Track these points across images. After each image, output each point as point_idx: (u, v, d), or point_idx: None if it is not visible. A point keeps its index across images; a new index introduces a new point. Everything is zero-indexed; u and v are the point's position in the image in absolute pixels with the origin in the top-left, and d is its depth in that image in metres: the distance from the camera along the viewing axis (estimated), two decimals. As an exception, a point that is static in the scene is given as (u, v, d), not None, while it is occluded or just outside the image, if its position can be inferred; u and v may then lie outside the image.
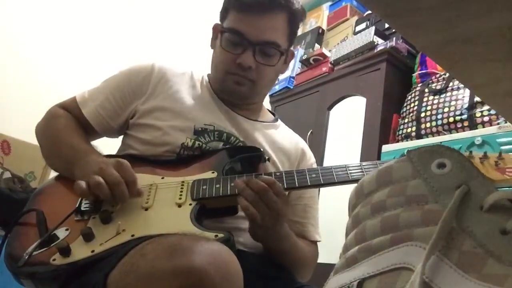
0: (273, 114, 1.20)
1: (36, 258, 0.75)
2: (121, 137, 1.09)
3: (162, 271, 0.57)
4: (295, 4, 1.03)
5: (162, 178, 0.91)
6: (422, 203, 0.33)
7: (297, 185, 0.87)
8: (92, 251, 0.75)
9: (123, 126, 1.04)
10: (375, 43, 2.32)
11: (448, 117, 1.88)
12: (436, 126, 1.92)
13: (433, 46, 0.38)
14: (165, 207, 0.84)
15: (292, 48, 1.11)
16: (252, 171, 0.91)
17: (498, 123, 1.68)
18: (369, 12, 2.68)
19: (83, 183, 0.80)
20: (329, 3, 3.15)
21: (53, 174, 1.02)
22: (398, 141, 2.07)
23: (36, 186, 1.80)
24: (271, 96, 2.92)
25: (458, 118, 1.84)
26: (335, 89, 2.48)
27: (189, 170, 0.94)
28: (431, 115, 1.95)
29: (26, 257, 0.74)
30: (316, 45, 2.97)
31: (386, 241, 0.33)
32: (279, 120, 1.18)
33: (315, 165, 1.15)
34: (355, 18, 2.80)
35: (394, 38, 2.29)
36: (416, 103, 2.05)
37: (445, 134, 1.84)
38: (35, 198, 0.92)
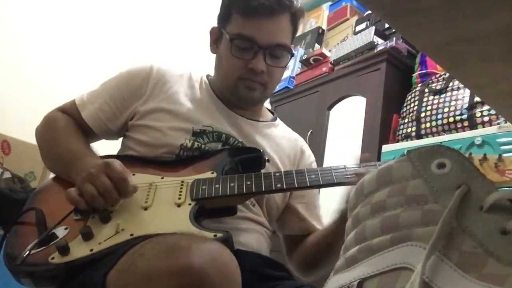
0: (272, 113, 1.20)
1: (34, 257, 0.75)
2: (120, 139, 1.09)
3: (161, 270, 0.57)
4: (296, 4, 1.03)
5: (162, 178, 0.91)
6: (422, 203, 0.33)
7: (296, 186, 0.87)
8: (91, 250, 0.75)
9: (122, 128, 1.04)
10: (375, 43, 2.32)
11: (448, 117, 1.88)
12: (436, 126, 1.92)
13: (433, 46, 0.38)
14: (164, 207, 0.84)
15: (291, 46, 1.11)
16: (252, 171, 0.91)
17: (498, 123, 1.68)
18: (369, 12, 2.68)
19: (74, 193, 0.81)
20: (329, 3, 3.15)
21: (53, 174, 1.02)
22: (398, 141, 2.07)
23: (36, 186, 1.80)
24: (271, 96, 2.92)
25: (458, 118, 1.84)
26: (335, 89, 2.48)
27: (188, 170, 0.94)
28: (431, 115, 1.95)
29: (24, 256, 0.74)
30: (316, 45, 2.97)
31: (386, 241, 0.33)
32: (278, 119, 1.18)
33: (314, 164, 1.15)
34: (355, 18, 2.80)
35: (394, 38, 2.29)
36: (416, 103, 2.05)
37: (444, 135, 1.84)
38: (35, 198, 0.92)
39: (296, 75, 2.83)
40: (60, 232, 0.79)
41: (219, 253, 0.61)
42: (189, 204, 0.84)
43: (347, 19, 2.89)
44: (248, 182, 0.87)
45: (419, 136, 1.97)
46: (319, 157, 2.29)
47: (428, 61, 2.17)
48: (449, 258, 0.29)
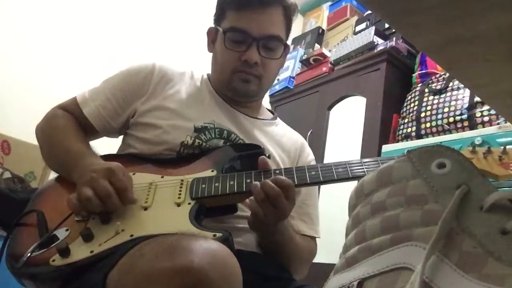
0: (272, 112, 1.21)
1: (35, 259, 0.75)
2: (121, 137, 1.09)
3: (161, 271, 0.57)
4: None
5: (162, 177, 0.91)
6: (422, 203, 0.33)
7: (296, 183, 0.87)
8: (91, 252, 0.75)
9: (123, 125, 1.05)
10: (375, 43, 2.33)
11: (448, 117, 1.88)
12: (436, 126, 1.92)
13: (433, 46, 0.38)
14: (164, 207, 0.84)
15: (287, 43, 1.12)
16: (252, 168, 0.91)
17: (498, 123, 1.68)
18: (369, 12, 2.68)
19: (74, 199, 0.80)
20: (329, 3, 3.15)
21: (53, 174, 1.02)
22: (398, 141, 2.07)
23: (36, 186, 1.80)
24: (271, 96, 2.92)
25: (458, 118, 1.84)
26: (335, 89, 2.48)
27: (188, 168, 0.93)
28: (431, 115, 1.95)
29: (25, 259, 0.74)
30: (316, 45, 2.97)
31: (386, 241, 0.33)
32: (278, 118, 1.18)
33: (313, 162, 1.15)
34: (355, 18, 2.80)
35: (394, 38, 2.30)
36: (416, 103, 2.06)
37: (447, 129, 1.83)
38: (36, 199, 0.92)
39: (296, 75, 2.83)
40: (61, 233, 0.79)
41: (220, 253, 0.61)
42: (189, 204, 0.84)
43: (347, 19, 2.89)
44: (248, 180, 0.86)
45: (419, 136, 1.97)
46: (319, 157, 2.29)
47: (428, 61, 2.17)
48: (449, 258, 0.29)
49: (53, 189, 0.95)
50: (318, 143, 2.36)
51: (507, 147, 0.82)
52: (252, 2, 0.99)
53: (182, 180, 0.89)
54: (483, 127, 1.73)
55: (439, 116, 1.91)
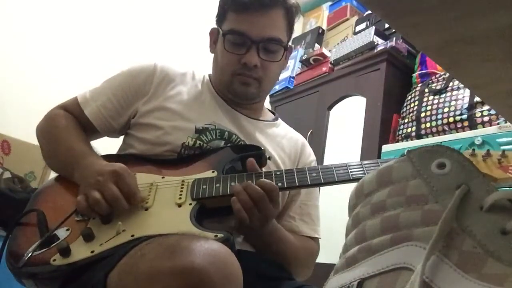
0: (273, 113, 1.21)
1: (36, 259, 0.75)
2: (121, 137, 1.09)
3: (162, 271, 0.57)
4: (290, 0, 1.03)
5: (163, 177, 0.91)
6: (422, 203, 0.33)
7: (297, 184, 0.87)
8: (92, 252, 0.75)
9: (124, 126, 1.04)
10: (375, 43, 2.33)
11: (448, 117, 1.88)
12: (436, 126, 1.92)
13: (433, 46, 0.38)
14: (165, 207, 0.84)
15: (290, 44, 1.11)
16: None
17: (498, 123, 1.68)
18: (369, 12, 2.68)
19: (83, 201, 0.80)
20: (329, 3, 3.15)
21: (53, 174, 1.02)
22: (398, 141, 2.07)
23: (36, 186, 1.80)
24: (271, 96, 2.91)
25: (458, 118, 1.84)
26: (335, 89, 2.48)
27: (189, 169, 0.94)
28: (431, 115, 1.95)
29: (26, 258, 0.74)
30: (316, 45, 2.97)
31: (386, 241, 0.33)
32: (279, 119, 1.18)
33: (314, 163, 1.15)
34: (355, 18, 2.80)
35: (394, 38, 2.30)
36: (416, 103, 2.05)
37: (446, 130, 1.83)
38: (36, 198, 0.92)
39: (296, 75, 2.83)
40: (62, 233, 0.79)
41: (220, 253, 0.61)
42: (190, 204, 0.84)
43: (347, 19, 2.89)
44: (249, 181, 0.87)
45: (419, 136, 1.97)
46: (319, 157, 2.29)
47: (428, 61, 2.17)
48: (449, 258, 0.29)
49: (53, 188, 0.95)
50: (318, 143, 2.36)
51: (506, 150, 0.82)
52: (252, 5, 0.98)
53: (183, 181, 0.89)
54: (483, 127, 1.73)
55: (439, 116, 1.91)
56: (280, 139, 1.10)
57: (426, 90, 2.06)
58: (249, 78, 1.02)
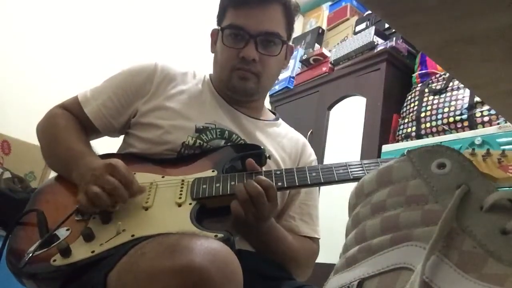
0: (273, 113, 1.21)
1: (36, 259, 0.75)
2: (121, 137, 1.09)
3: (162, 270, 0.57)
4: None
5: (162, 177, 0.91)
6: (422, 203, 0.33)
7: (297, 184, 0.87)
8: (92, 252, 0.75)
9: (124, 125, 1.05)
10: (375, 43, 2.33)
11: (448, 117, 1.88)
12: (436, 126, 1.92)
13: (433, 46, 0.38)
14: (165, 207, 0.84)
15: (290, 43, 1.12)
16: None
17: (498, 123, 1.68)
18: (369, 12, 2.68)
19: (83, 198, 0.80)
20: (329, 3, 3.15)
21: (53, 174, 1.02)
22: (398, 141, 2.07)
23: (36, 186, 1.80)
24: (271, 96, 2.92)
25: (458, 118, 1.84)
26: (335, 89, 2.48)
27: (189, 168, 0.94)
28: (431, 115, 1.95)
29: (27, 258, 0.74)
30: (316, 45, 2.97)
31: (386, 241, 0.33)
32: (280, 119, 1.18)
33: (315, 163, 1.15)
34: (355, 18, 2.80)
35: (394, 38, 2.30)
36: (416, 103, 2.06)
37: (446, 130, 1.84)
38: (36, 198, 0.92)
39: (296, 75, 2.83)
40: (62, 233, 0.79)
41: (221, 252, 0.61)
42: (190, 204, 0.84)
43: (347, 19, 2.89)
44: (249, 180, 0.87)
45: (419, 136, 1.97)
46: (319, 157, 2.28)
47: (428, 61, 2.17)
48: (449, 258, 0.29)
49: (52, 188, 0.95)
50: (318, 143, 2.36)
51: (506, 150, 0.82)
52: (251, 0, 0.99)
53: (183, 180, 0.89)
54: (483, 127, 1.73)
55: (439, 116, 1.91)
56: (281, 139, 1.10)
57: (426, 90, 2.06)
58: (248, 73, 1.02)
